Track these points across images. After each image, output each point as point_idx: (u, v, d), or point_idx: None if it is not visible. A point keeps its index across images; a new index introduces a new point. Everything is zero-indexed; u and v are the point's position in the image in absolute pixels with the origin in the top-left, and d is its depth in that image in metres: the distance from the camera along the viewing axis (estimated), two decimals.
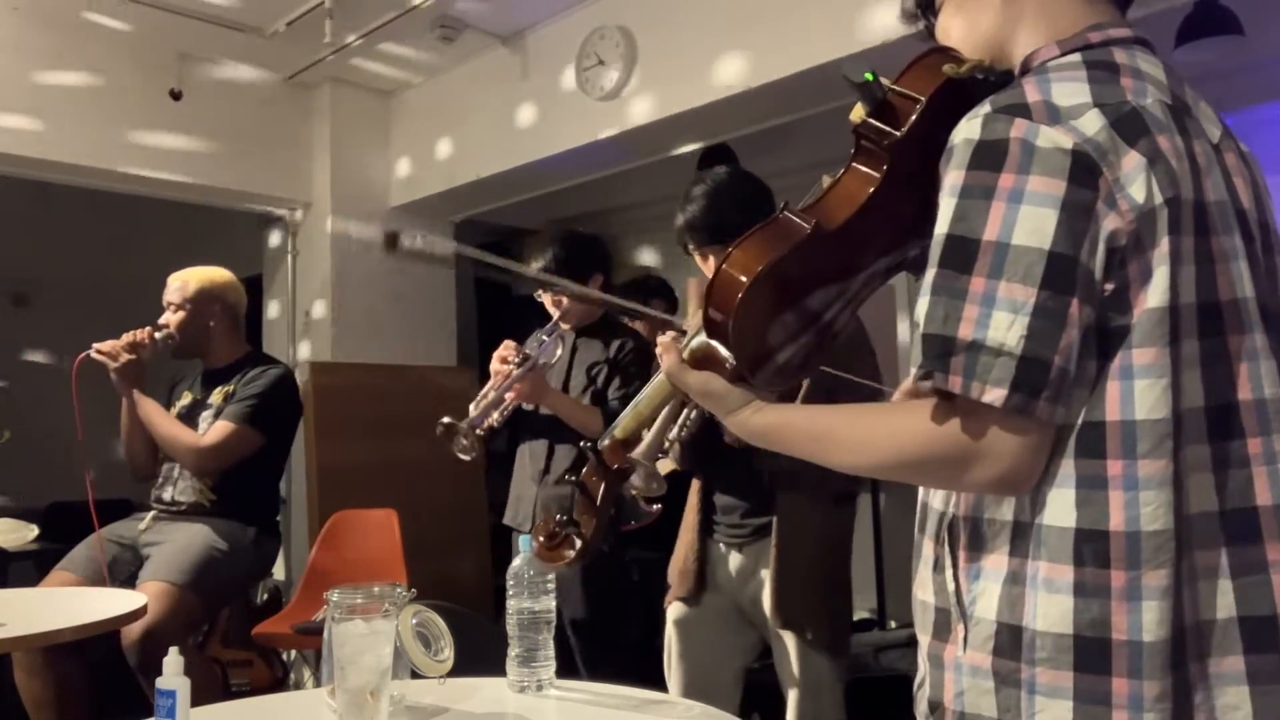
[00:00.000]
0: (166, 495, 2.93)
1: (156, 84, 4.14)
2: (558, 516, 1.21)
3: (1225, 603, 0.87)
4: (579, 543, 1.19)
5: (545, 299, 2.72)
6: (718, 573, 2.12)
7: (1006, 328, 0.85)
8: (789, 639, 2.01)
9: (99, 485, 2.75)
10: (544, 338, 2.65)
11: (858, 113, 1.04)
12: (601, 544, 1.21)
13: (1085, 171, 0.86)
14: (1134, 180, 0.86)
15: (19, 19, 3.82)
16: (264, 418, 2.93)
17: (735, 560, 2.10)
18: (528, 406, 2.65)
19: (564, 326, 2.72)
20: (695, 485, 2.18)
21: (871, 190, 1.03)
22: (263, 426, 2.93)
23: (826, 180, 1.08)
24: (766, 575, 2.03)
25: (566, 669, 1.73)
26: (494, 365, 2.58)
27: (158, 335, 2.95)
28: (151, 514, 2.92)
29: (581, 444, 1.24)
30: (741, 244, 1.03)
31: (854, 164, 1.05)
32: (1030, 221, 0.85)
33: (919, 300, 0.90)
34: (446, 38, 4.03)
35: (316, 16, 3.81)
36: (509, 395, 2.54)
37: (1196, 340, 0.88)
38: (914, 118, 1.00)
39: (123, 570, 2.82)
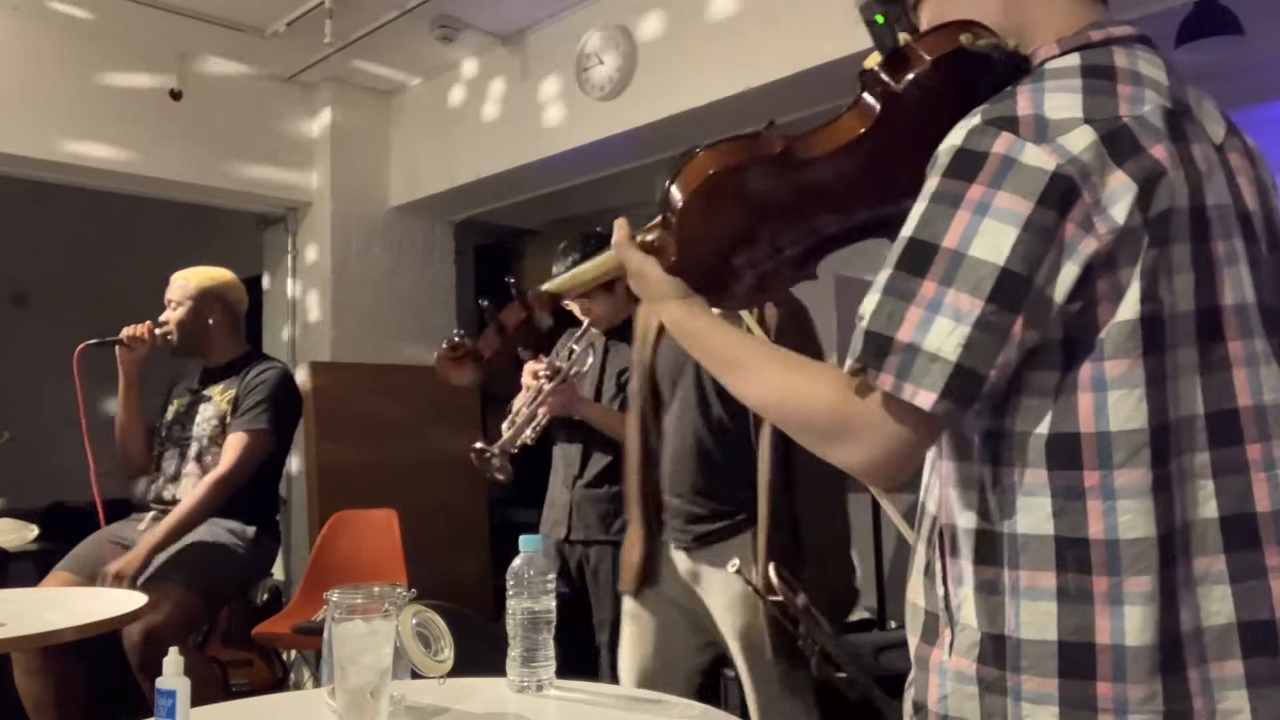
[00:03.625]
0: (166, 494, 2.93)
1: (156, 84, 4.14)
2: (457, 334, 1.29)
3: (1225, 608, 0.87)
4: (480, 358, 1.27)
5: (573, 306, 2.71)
6: (665, 570, 2.12)
7: (946, 334, 0.85)
8: (742, 645, 2.01)
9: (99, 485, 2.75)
10: (574, 347, 2.65)
11: (872, 60, 1.04)
12: (501, 366, 1.29)
13: (1059, 195, 0.85)
14: (1117, 201, 0.86)
15: (19, 18, 3.82)
16: (274, 420, 2.93)
17: (683, 563, 2.09)
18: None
19: (594, 332, 2.72)
20: (635, 475, 2.18)
21: (852, 136, 1.02)
22: (275, 429, 2.94)
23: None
24: (713, 582, 2.03)
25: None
26: (525, 380, 2.58)
27: (157, 331, 2.95)
28: (151, 514, 2.91)
29: (508, 280, 1.29)
30: (716, 143, 1.05)
31: (850, 108, 1.05)
32: (989, 235, 0.86)
33: (868, 296, 0.90)
34: (446, 38, 4.03)
35: (316, 16, 3.81)
36: (541, 410, 2.53)
37: (1195, 347, 0.88)
38: (912, 75, 0.99)
39: None
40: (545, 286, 1.25)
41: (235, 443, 2.87)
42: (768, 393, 1.01)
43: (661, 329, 2.15)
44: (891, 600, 4.32)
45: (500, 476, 2.48)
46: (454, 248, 5.11)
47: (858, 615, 4.40)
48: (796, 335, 2.05)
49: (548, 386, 2.52)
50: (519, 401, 2.62)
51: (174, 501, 2.90)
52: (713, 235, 1.07)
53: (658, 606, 2.13)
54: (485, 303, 1.31)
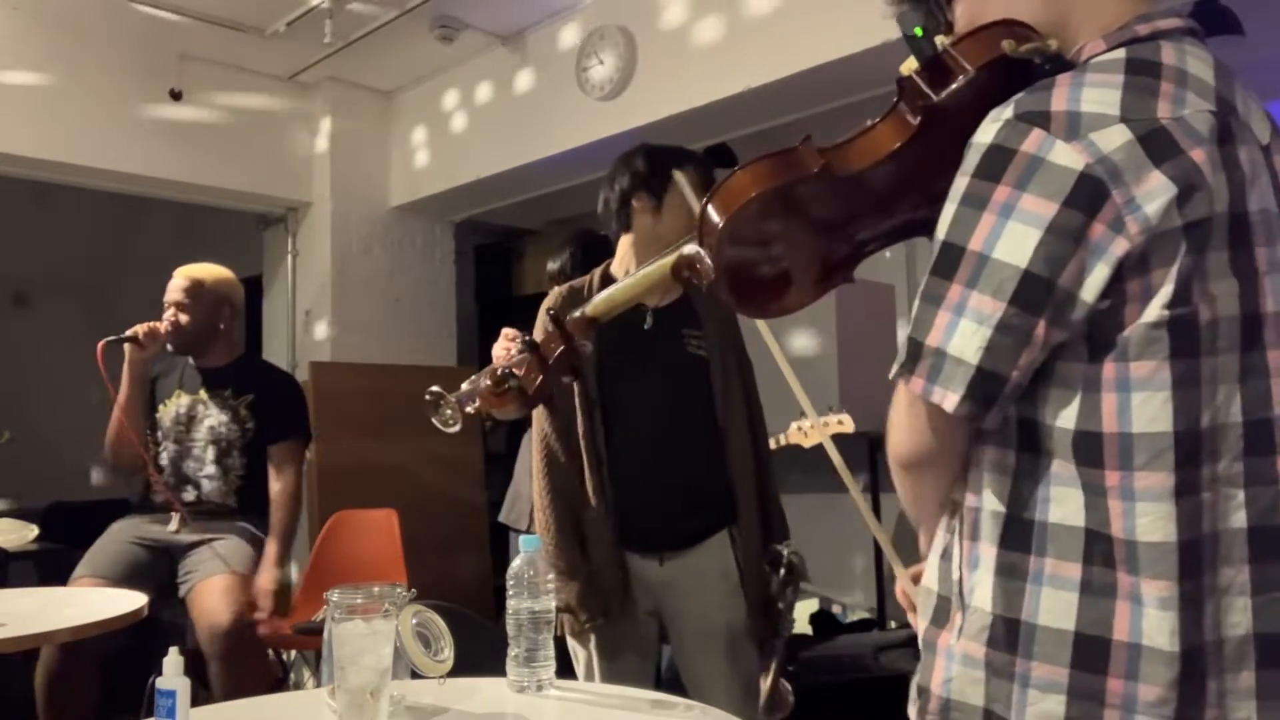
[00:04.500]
0: (189, 496, 2.93)
1: (156, 84, 4.14)
2: (500, 367, 1.28)
3: (1244, 619, 0.86)
4: (522, 394, 1.28)
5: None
6: (635, 585, 2.00)
7: (969, 337, 0.87)
8: (726, 643, 1.97)
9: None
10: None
11: (908, 65, 1.03)
12: (542, 402, 1.27)
13: (1086, 196, 0.84)
14: (1151, 202, 0.84)
15: (20, 18, 3.82)
16: (306, 426, 3.17)
17: (653, 573, 2.00)
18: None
19: None
20: (597, 491, 1.98)
21: (892, 148, 1.01)
22: (308, 434, 3.17)
23: (867, 124, 1.07)
24: (697, 586, 1.98)
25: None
26: (495, 353, 2.54)
27: (160, 329, 2.93)
28: (177, 515, 2.91)
29: (548, 311, 1.28)
30: (754, 163, 1.04)
31: (888, 116, 1.03)
32: (1012, 238, 0.86)
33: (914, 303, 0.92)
34: (446, 38, 4.03)
35: (316, 16, 3.81)
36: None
37: (1237, 354, 0.87)
38: (953, 86, 0.98)
39: (157, 573, 2.79)
40: (583, 311, 1.24)
41: (287, 454, 3.04)
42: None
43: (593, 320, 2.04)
44: (891, 600, 4.32)
45: (444, 427, 2.43)
46: (454, 248, 5.11)
47: (857, 615, 4.40)
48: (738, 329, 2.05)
49: (516, 359, 2.48)
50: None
51: (200, 502, 2.92)
52: (752, 255, 1.06)
53: (626, 625, 2.00)
54: (526, 337, 1.29)
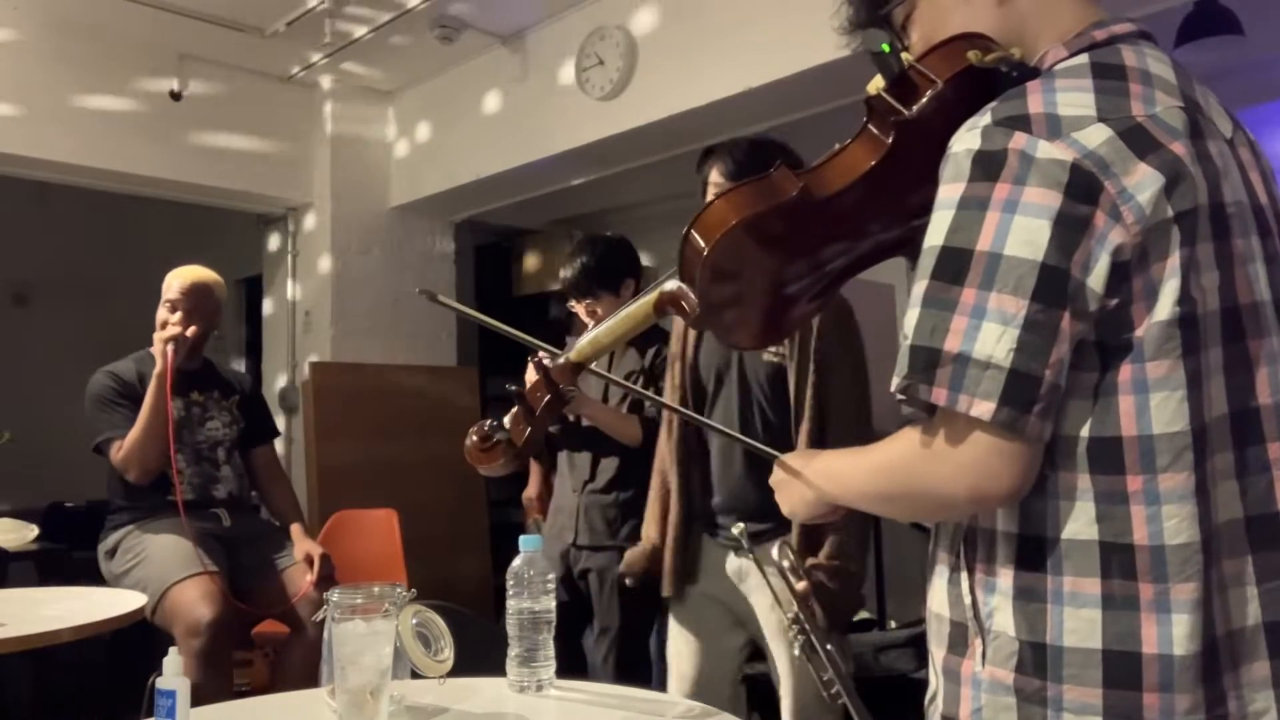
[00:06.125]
0: (220, 493, 2.94)
1: (157, 84, 4.14)
2: (487, 422, 1.26)
3: (1252, 610, 0.86)
4: (512, 448, 1.26)
5: (579, 308, 2.72)
6: (708, 567, 2.11)
7: (996, 340, 0.83)
8: (786, 648, 1.98)
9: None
10: None
11: (875, 84, 1.02)
12: (534, 454, 1.26)
13: (1083, 186, 0.84)
14: (1142, 192, 0.84)
15: (19, 18, 3.82)
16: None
17: (730, 562, 2.08)
18: (569, 417, 2.64)
19: None
20: (672, 475, 2.14)
21: (868, 166, 1.00)
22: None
23: (838, 146, 1.07)
24: (762, 581, 1.96)
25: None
26: (528, 377, 2.56)
27: (188, 334, 2.91)
28: (223, 510, 2.93)
29: (530, 359, 1.27)
30: (730, 192, 1.04)
31: (859, 136, 1.03)
32: (1023, 232, 0.84)
33: (909, 312, 0.89)
34: (446, 38, 4.03)
35: (316, 16, 3.82)
36: None
37: (1220, 347, 0.87)
38: (925, 99, 0.97)
39: (221, 561, 2.79)
40: (567, 357, 1.23)
41: (274, 452, 3.22)
42: (868, 485, 1.00)
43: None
44: (892, 600, 4.32)
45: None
46: (454, 248, 5.11)
47: (857, 615, 4.40)
48: (839, 339, 2.01)
49: None
50: None
51: (228, 499, 2.93)
52: (735, 285, 1.05)
53: (700, 604, 2.12)
54: (512, 387, 1.27)
